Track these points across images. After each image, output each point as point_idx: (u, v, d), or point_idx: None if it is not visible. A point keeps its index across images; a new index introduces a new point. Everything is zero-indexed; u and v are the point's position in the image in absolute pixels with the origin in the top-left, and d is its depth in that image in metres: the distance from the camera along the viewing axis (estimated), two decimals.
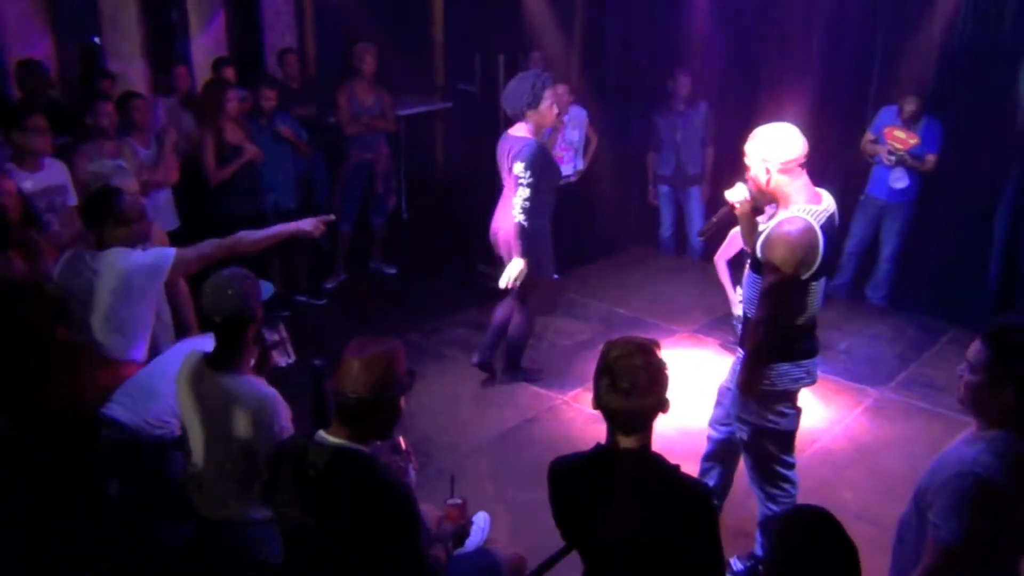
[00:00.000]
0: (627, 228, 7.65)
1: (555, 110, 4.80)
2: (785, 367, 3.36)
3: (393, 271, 7.26)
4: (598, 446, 2.47)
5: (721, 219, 3.73)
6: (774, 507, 3.58)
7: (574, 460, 2.49)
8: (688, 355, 5.84)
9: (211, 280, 3.01)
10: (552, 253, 5.04)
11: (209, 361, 3.03)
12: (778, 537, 2.12)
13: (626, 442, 2.39)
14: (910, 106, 6.18)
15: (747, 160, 3.35)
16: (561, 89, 6.34)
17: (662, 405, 2.38)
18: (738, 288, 4.56)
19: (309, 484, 2.46)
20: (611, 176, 7.40)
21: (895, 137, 6.22)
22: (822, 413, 5.16)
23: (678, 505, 2.38)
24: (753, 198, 3.48)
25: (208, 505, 3.09)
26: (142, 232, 3.80)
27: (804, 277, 3.22)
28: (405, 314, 6.40)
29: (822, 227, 3.20)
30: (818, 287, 3.32)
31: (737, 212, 3.57)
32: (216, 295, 2.96)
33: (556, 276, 5.14)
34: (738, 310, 4.55)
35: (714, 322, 6.29)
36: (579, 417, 5.07)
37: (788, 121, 3.34)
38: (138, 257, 3.65)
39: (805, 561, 2.04)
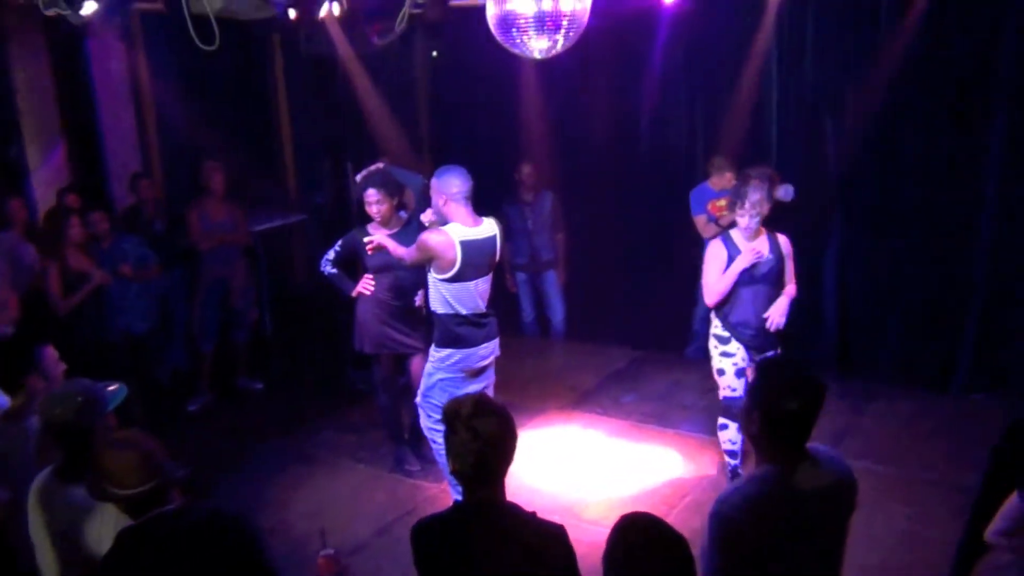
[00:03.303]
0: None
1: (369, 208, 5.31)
2: None
3: (260, 386, 7.22)
4: (456, 503, 2.59)
5: None
6: None
7: (434, 519, 2.60)
8: (559, 431, 6.05)
9: (57, 391, 3.02)
10: (374, 332, 5.40)
11: (58, 473, 3.00)
12: (620, 535, 2.32)
13: (483, 495, 2.53)
14: (720, 162, 6.65)
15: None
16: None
17: (514, 451, 2.53)
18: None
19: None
20: None
21: (720, 207, 6.67)
22: (689, 468, 5.43)
23: (538, 549, 2.52)
24: None
25: None
26: None
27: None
28: (273, 425, 6.38)
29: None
30: None
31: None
32: (63, 404, 2.96)
33: (369, 351, 5.51)
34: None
35: (582, 397, 6.55)
36: None
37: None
38: None
39: (646, 554, 2.25)
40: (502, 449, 2.51)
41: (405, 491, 5.35)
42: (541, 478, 5.35)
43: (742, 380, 4.99)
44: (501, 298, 7.83)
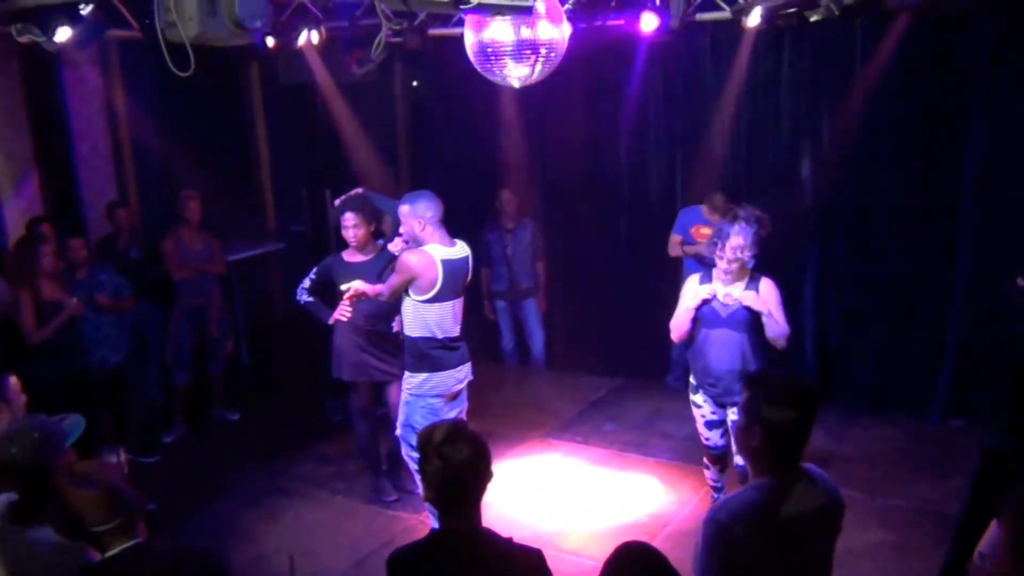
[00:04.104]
0: (468, 345, 7.83)
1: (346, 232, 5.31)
2: None
3: (236, 417, 7.13)
4: (433, 531, 2.56)
5: None
6: None
7: (410, 548, 2.57)
8: (538, 460, 6.02)
9: (11, 429, 2.91)
10: (353, 360, 5.40)
11: (14, 516, 2.86)
12: (617, 566, 2.28)
13: (457, 523, 2.50)
14: (719, 200, 6.62)
15: None
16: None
17: (489, 477, 2.51)
18: None
19: None
20: None
21: (703, 235, 6.71)
22: (671, 497, 5.41)
23: (515, 575, 2.50)
24: None
25: None
26: None
27: None
28: (249, 456, 6.30)
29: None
30: None
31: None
32: (20, 443, 2.84)
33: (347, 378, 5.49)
34: None
35: (562, 425, 6.53)
36: None
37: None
38: None
39: None
40: (474, 477, 2.48)
41: (383, 522, 5.29)
42: (520, 508, 5.31)
43: (716, 431, 4.81)
44: (480, 326, 7.86)
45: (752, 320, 4.50)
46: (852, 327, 6.89)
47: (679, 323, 4.67)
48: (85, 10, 4.92)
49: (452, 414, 4.77)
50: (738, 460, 4.75)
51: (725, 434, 4.81)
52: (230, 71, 8.19)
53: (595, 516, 5.26)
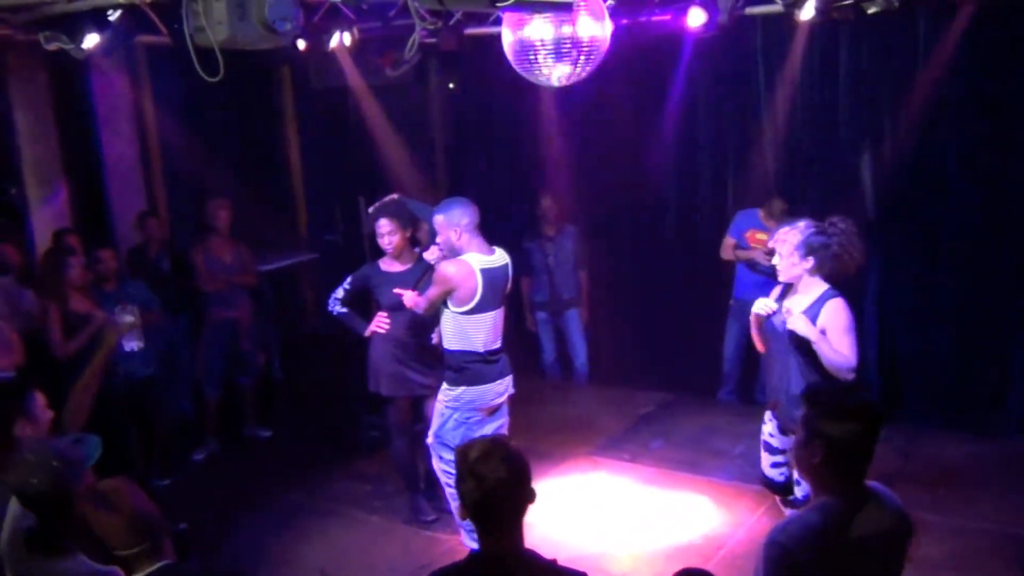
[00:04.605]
0: (509, 358, 7.83)
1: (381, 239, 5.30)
2: None
3: (268, 434, 7.19)
4: (472, 553, 2.56)
5: None
6: None
7: (447, 570, 2.57)
8: (584, 479, 6.00)
9: (28, 458, 2.90)
10: (391, 373, 5.39)
11: (32, 545, 2.84)
12: None
13: (498, 544, 2.50)
14: (779, 207, 6.58)
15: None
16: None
17: (529, 497, 2.51)
18: None
19: None
20: None
21: (758, 240, 6.68)
22: (724, 518, 5.35)
23: None
24: None
25: None
26: None
27: None
28: (282, 475, 6.35)
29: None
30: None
31: None
32: (39, 472, 2.84)
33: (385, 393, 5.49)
34: None
35: (608, 443, 6.50)
36: None
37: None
38: None
39: None
40: (511, 497, 2.47)
41: (421, 543, 5.30)
42: (565, 530, 5.29)
43: (768, 456, 4.55)
44: (520, 338, 7.86)
45: (800, 342, 4.20)
46: (917, 339, 6.80)
47: (753, 334, 4.60)
48: (113, 16, 5.01)
49: (491, 428, 4.80)
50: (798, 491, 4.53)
51: (781, 468, 4.54)
52: (261, 76, 8.31)
53: (644, 538, 5.22)
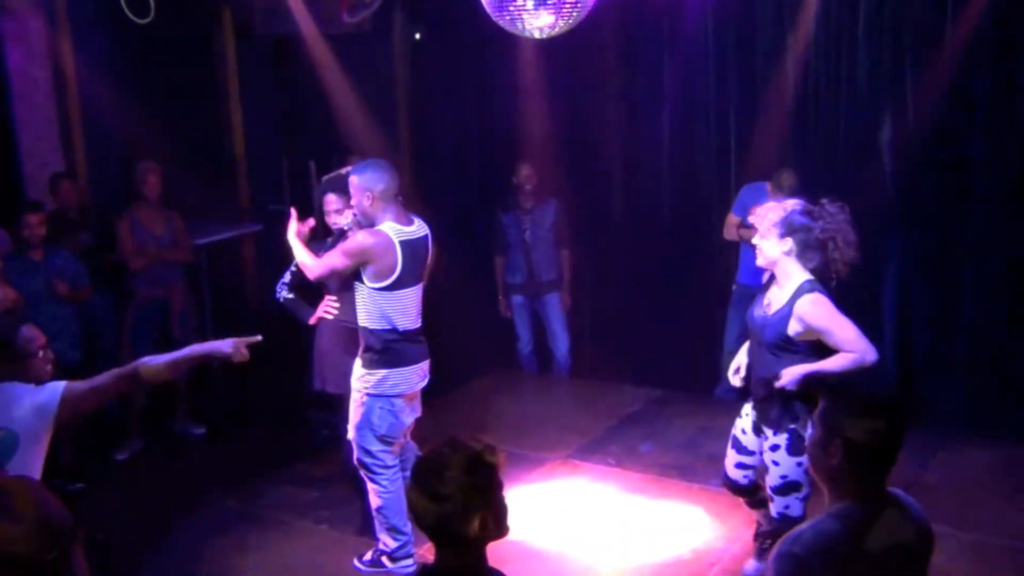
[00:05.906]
0: (480, 348, 7.88)
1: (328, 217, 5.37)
2: None
3: (202, 431, 7.19)
4: (422, 567, 2.56)
5: None
6: None
7: None
8: (563, 485, 6.02)
9: None
10: (338, 368, 5.37)
11: None
12: None
13: (453, 558, 2.48)
14: (788, 180, 6.56)
15: None
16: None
17: (484, 511, 2.46)
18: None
19: None
20: (454, 287, 7.65)
21: None
22: (719, 530, 5.41)
23: None
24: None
25: None
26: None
27: None
28: (217, 478, 6.33)
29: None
30: None
31: None
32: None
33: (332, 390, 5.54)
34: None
35: (591, 444, 6.53)
36: None
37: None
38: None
39: None
40: (465, 509, 2.43)
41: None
42: (540, 542, 5.28)
43: (734, 453, 4.78)
44: (493, 325, 7.86)
45: (776, 336, 4.27)
46: (940, 335, 6.86)
47: None
48: None
49: (410, 420, 4.93)
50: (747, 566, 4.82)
51: (747, 471, 4.74)
52: (197, 19, 8.20)
53: (630, 552, 5.25)
